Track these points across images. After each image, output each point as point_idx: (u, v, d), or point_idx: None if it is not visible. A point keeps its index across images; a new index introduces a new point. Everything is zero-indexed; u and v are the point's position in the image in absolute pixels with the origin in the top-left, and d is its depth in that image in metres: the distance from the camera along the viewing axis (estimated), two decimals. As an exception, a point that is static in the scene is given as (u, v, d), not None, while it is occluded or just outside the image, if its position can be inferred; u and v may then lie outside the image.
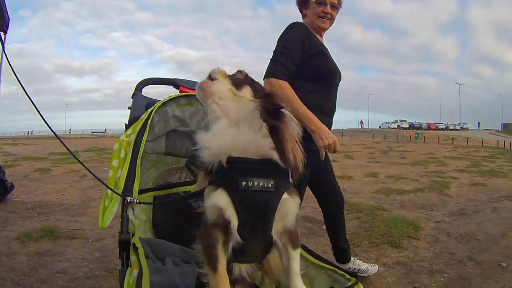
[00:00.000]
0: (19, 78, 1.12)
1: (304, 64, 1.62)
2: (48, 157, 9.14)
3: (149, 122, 1.34)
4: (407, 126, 51.10)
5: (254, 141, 0.81)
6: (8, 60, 1.21)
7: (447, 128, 52.14)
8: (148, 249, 1.24)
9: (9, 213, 3.36)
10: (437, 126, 52.69)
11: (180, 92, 1.53)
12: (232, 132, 0.83)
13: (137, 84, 1.55)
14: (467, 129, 52.84)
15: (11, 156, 9.51)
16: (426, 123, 55.42)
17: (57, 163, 7.69)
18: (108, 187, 1.18)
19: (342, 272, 0.98)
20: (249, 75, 0.94)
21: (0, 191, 3.79)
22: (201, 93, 0.91)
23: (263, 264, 0.95)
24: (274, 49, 1.63)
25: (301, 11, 1.80)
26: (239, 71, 0.93)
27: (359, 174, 6.32)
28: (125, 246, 1.09)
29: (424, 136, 28.16)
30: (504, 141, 21.21)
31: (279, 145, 0.81)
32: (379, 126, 56.01)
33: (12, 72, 1.14)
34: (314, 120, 1.50)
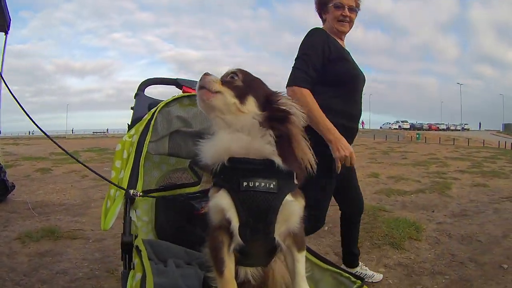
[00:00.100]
0: (4, 78, 1.12)
1: (325, 70, 1.62)
2: (49, 157, 9.15)
3: (152, 122, 1.33)
4: (408, 126, 51.19)
5: (257, 145, 0.80)
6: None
7: (448, 129, 52.18)
8: (150, 250, 1.23)
9: (10, 213, 3.36)
10: (438, 127, 52.74)
11: (183, 92, 1.53)
12: (235, 137, 0.82)
13: (140, 84, 1.55)
14: (468, 129, 52.74)
15: (12, 156, 9.51)
16: (427, 124, 55.48)
17: (58, 163, 7.70)
18: (111, 182, 1.17)
19: (347, 275, 0.98)
20: (243, 68, 0.90)
21: (1, 191, 3.80)
22: (203, 105, 0.88)
23: (266, 271, 0.93)
24: (296, 56, 1.65)
25: (320, 16, 1.81)
26: (234, 73, 0.88)
27: (360, 174, 6.29)
28: (127, 248, 1.09)
29: (425, 137, 28.11)
30: (506, 142, 21.17)
31: (287, 149, 0.80)
32: (380, 127, 56.00)
33: None
34: (332, 130, 1.50)
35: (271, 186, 0.80)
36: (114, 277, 2.02)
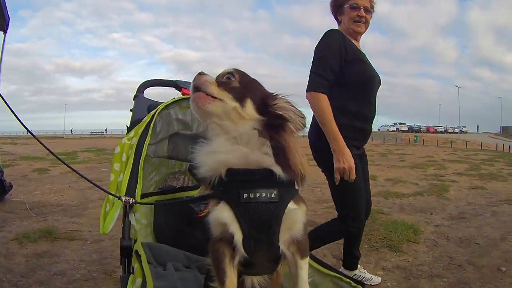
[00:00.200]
0: None
1: (342, 71, 1.63)
2: (47, 157, 9.09)
3: (151, 125, 1.32)
4: (406, 129, 51.23)
5: (255, 156, 0.79)
6: None
7: (446, 131, 52.28)
8: (149, 254, 1.22)
9: (7, 213, 3.34)
10: (436, 129, 52.82)
11: (182, 94, 1.52)
12: (231, 147, 0.80)
13: (139, 86, 1.54)
14: (466, 132, 52.94)
15: (10, 155, 9.47)
16: (425, 126, 55.54)
17: (55, 163, 7.65)
18: (104, 190, 1.16)
19: (348, 280, 0.98)
20: (239, 68, 0.87)
21: (-2, 191, 3.78)
22: (198, 110, 0.84)
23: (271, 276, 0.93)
24: (312, 59, 1.65)
25: (336, 18, 1.82)
26: (231, 73, 0.84)
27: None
28: (127, 252, 1.08)
29: (423, 139, 28.22)
30: (503, 144, 21.28)
31: (285, 158, 0.79)
32: (378, 129, 55.98)
33: None
34: (339, 141, 1.51)
35: (272, 195, 0.78)
36: (111, 279, 2.01)
